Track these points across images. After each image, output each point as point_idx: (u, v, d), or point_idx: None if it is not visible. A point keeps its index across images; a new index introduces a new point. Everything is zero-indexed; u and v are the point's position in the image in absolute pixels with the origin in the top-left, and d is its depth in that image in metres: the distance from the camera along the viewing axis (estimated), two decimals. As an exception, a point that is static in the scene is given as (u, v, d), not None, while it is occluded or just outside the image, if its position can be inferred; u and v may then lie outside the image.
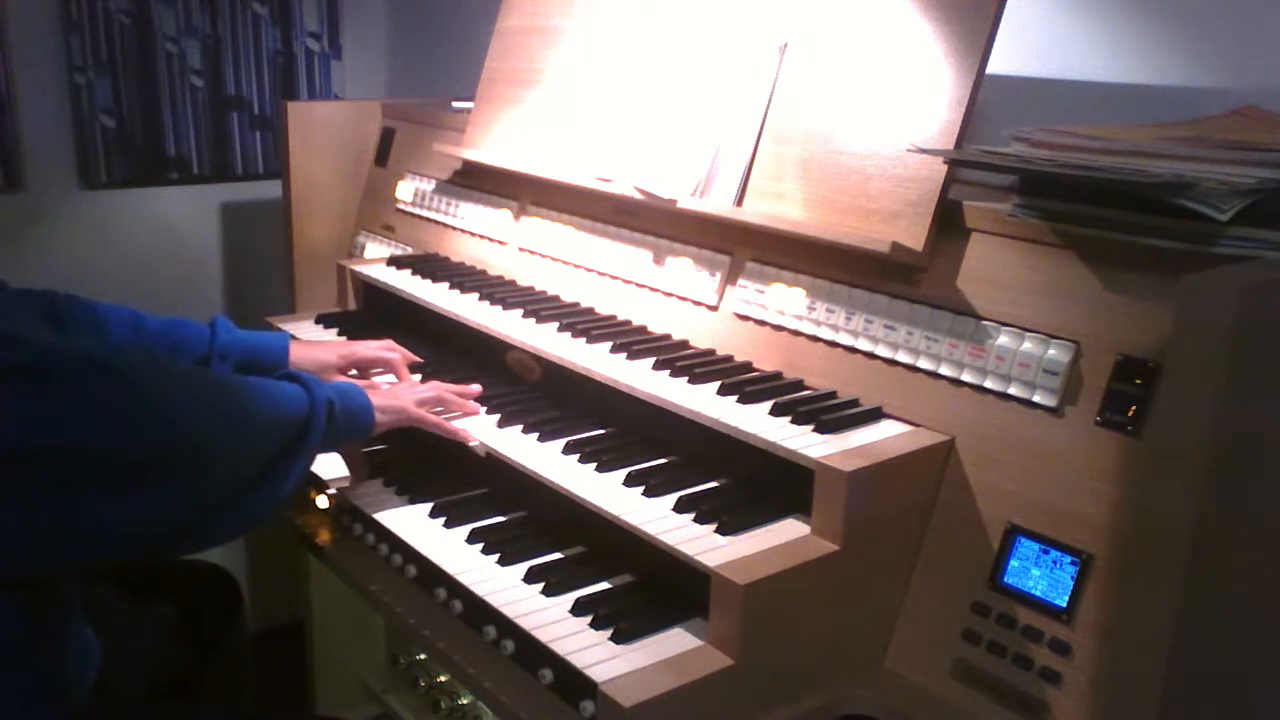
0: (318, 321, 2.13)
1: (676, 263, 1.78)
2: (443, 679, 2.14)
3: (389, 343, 1.84)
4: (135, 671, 1.55)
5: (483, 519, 1.56)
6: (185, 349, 1.70)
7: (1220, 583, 1.14)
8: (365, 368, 1.80)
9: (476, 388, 1.70)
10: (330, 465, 1.74)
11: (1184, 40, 1.61)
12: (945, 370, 1.41)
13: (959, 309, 1.41)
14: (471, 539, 1.51)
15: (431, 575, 1.46)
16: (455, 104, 2.47)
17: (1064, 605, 1.25)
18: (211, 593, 1.84)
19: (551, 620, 1.32)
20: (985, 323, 1.38)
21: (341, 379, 1.71)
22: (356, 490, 1.68)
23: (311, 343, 1.85)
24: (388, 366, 1.80)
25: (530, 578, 1.41)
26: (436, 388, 1.65)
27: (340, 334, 2.05)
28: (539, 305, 1.87)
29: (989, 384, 1.36)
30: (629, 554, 1.40)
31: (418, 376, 1.79)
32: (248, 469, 1.31)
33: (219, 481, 1.27)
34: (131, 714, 1.45)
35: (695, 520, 1.35)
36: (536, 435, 1.58)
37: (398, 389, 1.64)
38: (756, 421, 1.42)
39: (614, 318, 1.84)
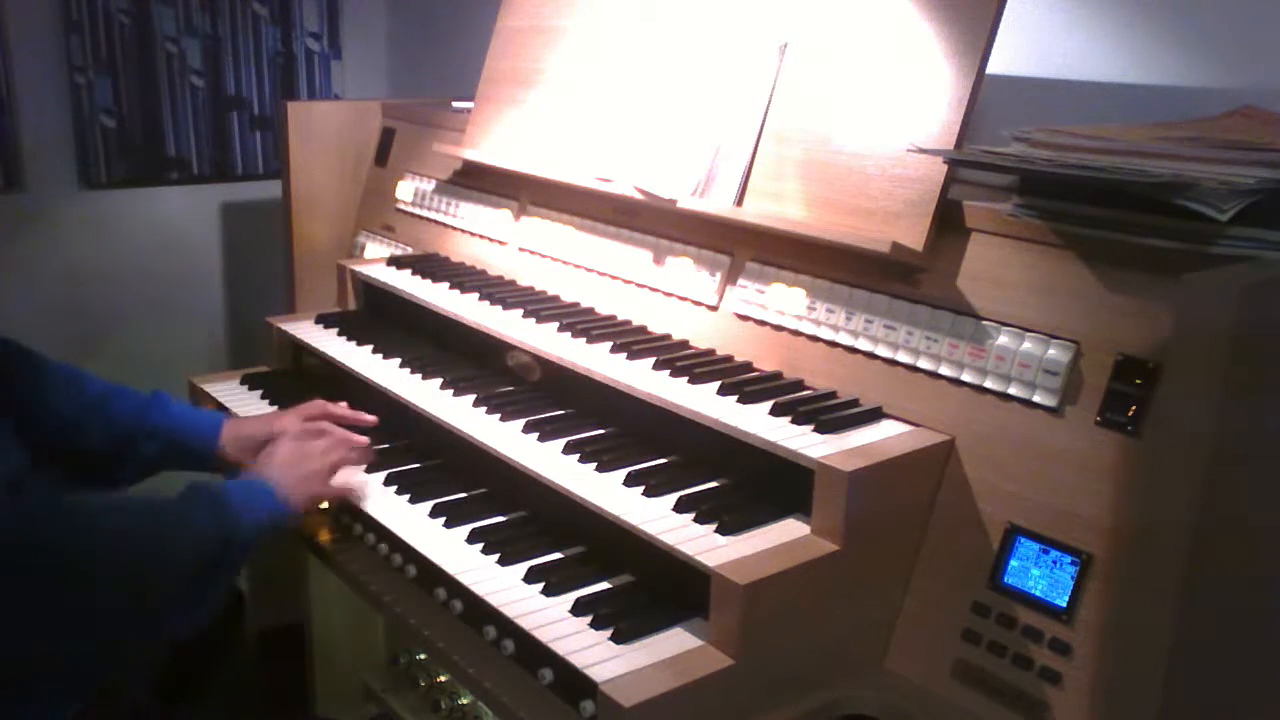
0: (318, 321, 2.13)
1: (676, 263, 1.78)
2: (443, 679, 2.14)
3: (318, 404, 1.77)
4: (137, 672, 1.55)
5: (483, 519, 1.56)
6: (115, 424, 1.68)
7: (1220, 583, 1.14)
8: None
9: (371, 418, 1.72)
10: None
11: (1184, 40, 1.61)
12: (945, 370, 1.41)
13: (959, 309, 1.41)
14: (471, 539, 1.51)
15: (431, 575, 1.46)
16: (455, 104, 2.47)
17: (1064, 605, 1.25)
18: None
19: (551, 620, 1.32)
20: (985, 323, 1.38)
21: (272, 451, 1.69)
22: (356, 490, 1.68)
23: (241, 422, 1.79)
24: (320, 436, 1.71)
25: (530, 578, 1.41)
26: (320, 421, 1.68)
27: (340, 334, 2.05)
28: (539, 305, 1.87)
29: (989, 384, 1.36)
30: (629, 554, 1.40)
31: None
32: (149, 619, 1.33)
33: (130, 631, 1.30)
34: (133, 715, 1.45)
35: (695, 520, 1.35)
36: (536, 435, 1.58)
37: (301, 470, 1.58)
38: (756, 421, 1.42)
39: (614, 318, 1.84)
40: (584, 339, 1.71)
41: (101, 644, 1.28)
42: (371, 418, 1.78)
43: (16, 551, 1.18)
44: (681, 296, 1.77)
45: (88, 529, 1.28)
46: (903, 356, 1.45)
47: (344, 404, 1.79)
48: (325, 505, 1.70)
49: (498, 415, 1.65)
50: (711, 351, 1.68)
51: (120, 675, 1.35)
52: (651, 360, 1.61)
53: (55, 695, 1.35)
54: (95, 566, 1.25)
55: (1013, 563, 1.30)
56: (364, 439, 1.75)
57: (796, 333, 1.59)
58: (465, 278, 2.04)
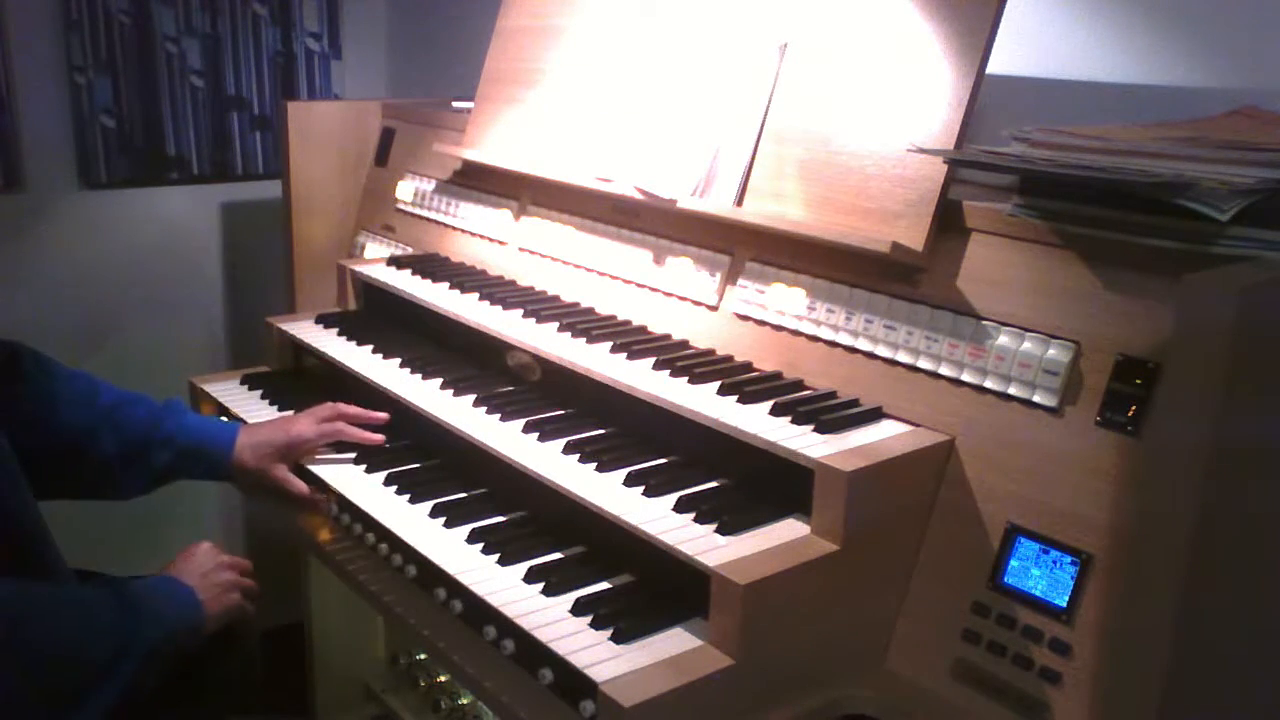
0: (318, 321, 2.13)
1: (676, 263, 1.78)
2: (443, 679, 2.14)
3: (330, 406, 1.79)
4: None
5: (483, 519, 1.56)
6: (127, 432, 1.68)
7: (1220, 583, 1.14)
8: (311, 453, 1.77)
9: (383, 416, 1.72)
10: (331, 466, 1.75)
11: (1184, 40, 1.61)
12: (945, 370, 1.41)
13: (959, 309, 1.41)
14: (471, 539, 1.51)
15: (431, 575, 1.46)
16: (455, 104, 2.47)
17: (1064, 605, 1.25)
18: None
19: (551, 620, 1.32)
20: (985, 323, 1.38)
21: (281, 472, 1.72)
22: (356, 490, 1.68)
23: (255, 429, 1.79)
24: (337, 437, 1.77)
25: (530, 578, 1.41)
26: (336, 422, 1.69)
27: (340, 334, 2.05)
28: (539, 305, 1.87)
29: (989, 384, 1.36)
30: (629, 554, 1.40)
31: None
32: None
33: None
34: (136, 718, 1.45)
35: (695, 520, 1.35)
36: (536, 435, 1.58)
37: (219, 577, 1.56)
38: (756, 421, 1.42)
39: (614, 318, 1.84)
40: (584, 339, 1.71)
41: None
42: (383, 415, 1.79)
43: None
44: (681, 296, 1.77)
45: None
46: (903, 356, 1.45)
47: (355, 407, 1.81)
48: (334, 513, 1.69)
49: (498, 415, 1.65)
50: (711, 351, 1.68)
51: None
52: (651, 360, 1.61)
53: None
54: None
55: (1013, 563, 1.30)
56: (378, 437, 1.77)
57: (796, 333, 1.59)
58: (465, 278, 2.04)
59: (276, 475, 1.73)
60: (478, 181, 2.24)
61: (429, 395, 1.75)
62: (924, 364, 1.43)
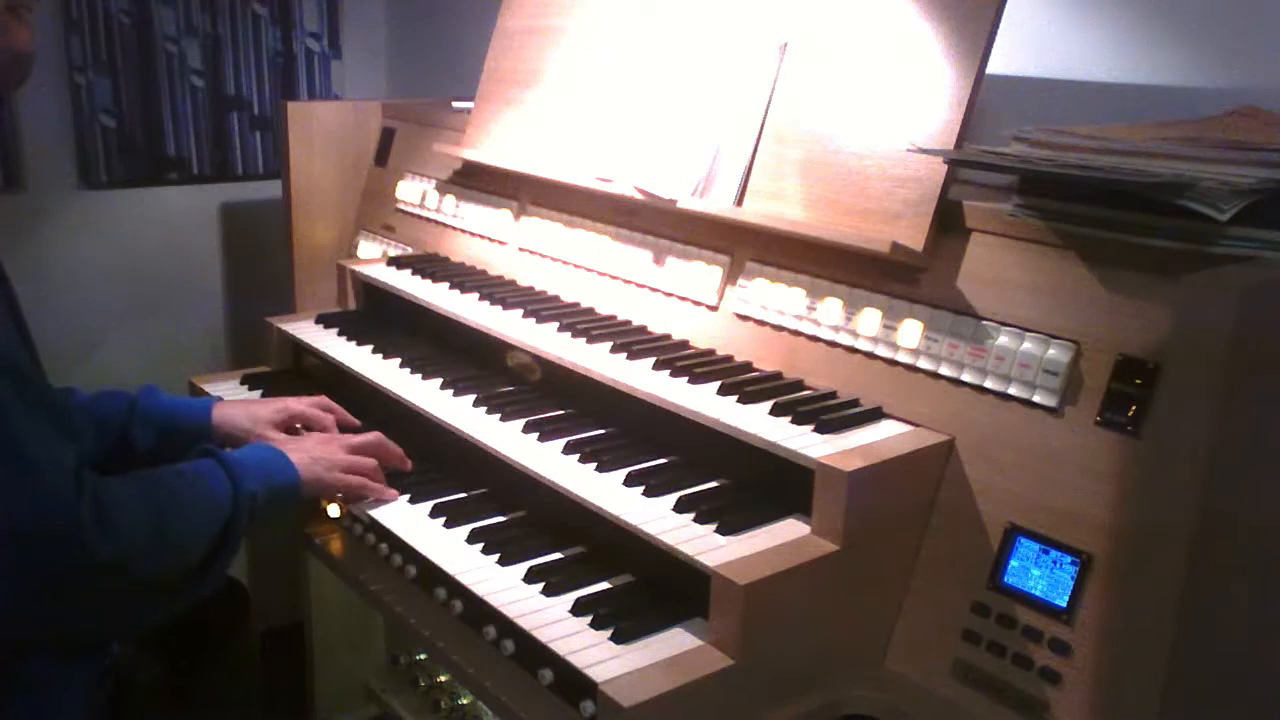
0: (318, 321, 2.13)
1: (676, 263, 1.78)
2: (443, 679, 2.14)
3: (323, 400, 1.81)
4: (143, 677, 1.55)
5: (483, 519, 1.56)
6: (108, 422, 1.68)
7: (1220, 583, 1.14)
8: (301, 423, 1.77)
9: (407, 464, 1.69)
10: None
11: (1184, 40, 1.61)
12: (945, 370, 1.41)
13: (959, 309, 1.41)
14: (471, 539, 1.51)
15: (431, 575, 1.46)
16: (455, 104, 2.47)
17: (1064, 605, 1.25)
18: (220, 601, 1.83)
19: (551, 620, 1.32)
20: (985, 323, 1.38)
21: (276, 434, 1.71)
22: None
23: (237, 401, 1.80)
24: (320, 426, 1.76)
25: (530, 578, 1.41)
26: (378, 440, 1.66)
27: (340, 334, 2.05)
28: (539, 305, 1.87)
29: (989, 384, 1.36)
30: (629, 554, 1.40)
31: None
32: (178, 574, 1.36)
33: (153, 589, 1.33)
34: (137, 718, 1.46)
35: (695, 520, 1.35)
36: (536, 435, 1.58)
37: (329, 448, 1.62)
38: (756, 421, 1.42)
39: (614, 318, 1.84)
40: (584, 339, 1.71)
41: (132, 616, 1.33)
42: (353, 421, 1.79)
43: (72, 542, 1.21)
44: (681, 296, 1.77)
45: (134, 509, 1.30)
46: (903, 356, 1.45)
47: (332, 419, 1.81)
48: (336, 514, 1.69)
49: (498, 415, 1.65)
50: (711, 351, 1.68)
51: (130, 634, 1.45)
52: (651, 360, 1.61)
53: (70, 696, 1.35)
54: (124, 539, 1.27)
55: (1013, 563, 1.30)
56: (358, 423, 1.75)
57: (796, 333, 1.59)
58: (465, 278, 2.04)
59: (264, 435, 1.71)
60: (478, 181, 2.24)
61: (429, 395, 1.75)
62: (924, 364, 1.43)
